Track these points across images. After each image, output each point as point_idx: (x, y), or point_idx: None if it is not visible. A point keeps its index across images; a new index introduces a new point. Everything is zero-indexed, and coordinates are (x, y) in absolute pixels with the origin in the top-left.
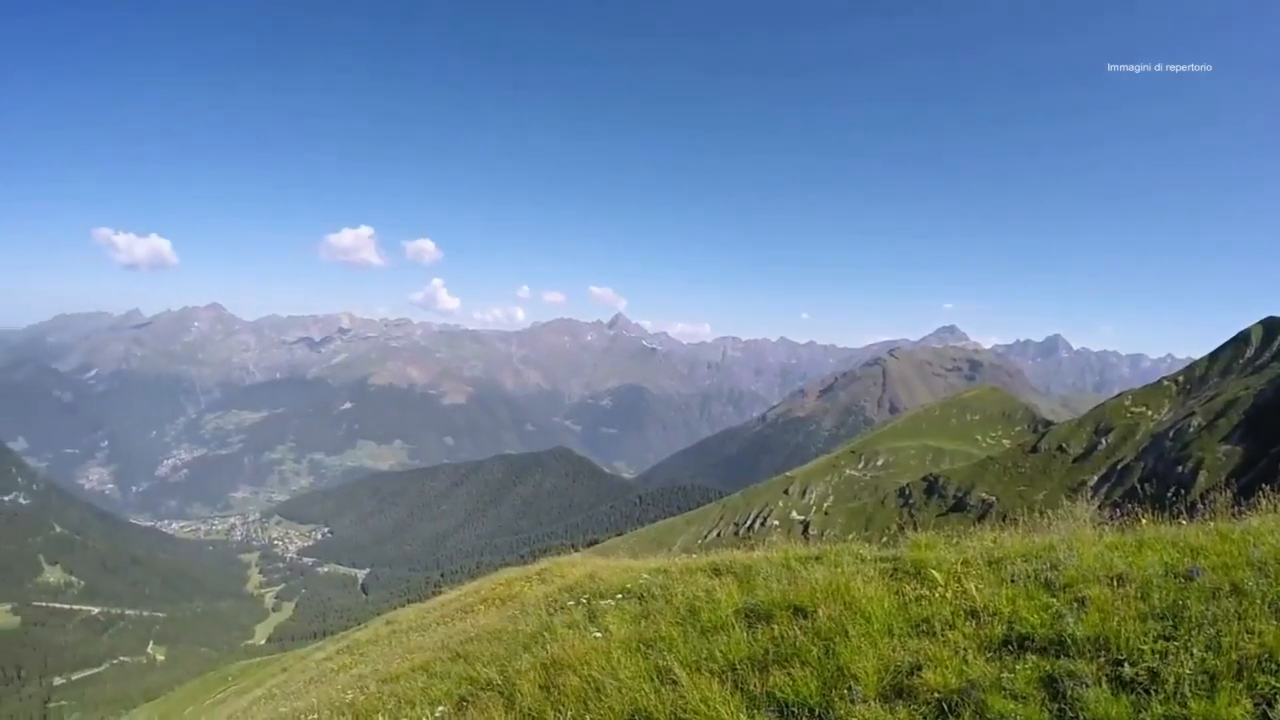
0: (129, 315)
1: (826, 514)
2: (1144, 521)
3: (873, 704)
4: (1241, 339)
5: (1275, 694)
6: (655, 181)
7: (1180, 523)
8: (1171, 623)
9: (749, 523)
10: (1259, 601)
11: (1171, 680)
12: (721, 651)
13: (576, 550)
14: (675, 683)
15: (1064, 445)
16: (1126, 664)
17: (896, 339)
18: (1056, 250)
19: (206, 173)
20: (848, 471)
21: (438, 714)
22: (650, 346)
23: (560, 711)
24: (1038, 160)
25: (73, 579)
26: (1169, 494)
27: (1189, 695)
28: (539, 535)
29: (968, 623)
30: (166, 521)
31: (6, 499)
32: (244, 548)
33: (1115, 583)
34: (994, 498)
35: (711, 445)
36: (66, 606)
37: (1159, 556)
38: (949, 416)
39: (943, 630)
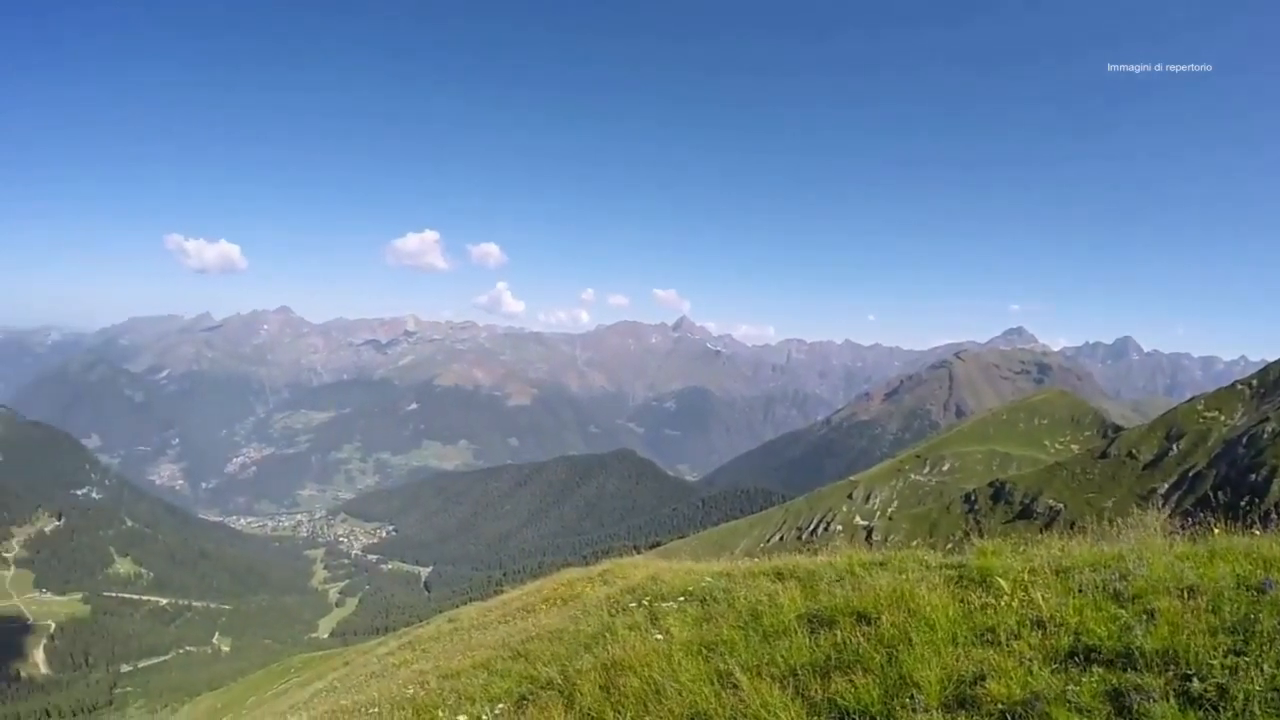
0: (200, 318)
1: (890, 519)
2: (1216, 531)
3: (935, 713)
4: None
5: None
6: (719, 183)
7: (1254, 533)
8: (1242, 637)
9: (812, 527)
10: None
11: (1241, 697)
12: (783, 656)
13: (639, 552)
14: (736, 687)
15: (1134, 451)
16: (1195, 679)
17: (963, 341)
18: (1127, 249)
19: (275, 179)
20: (912, 476)
21: (497, 711)
22: (714, 349)
23: (620, 713)
24: (1109, 159)
25: (142, 571)
26: (1242, 502)
27: (1258, 713)
28: (601, 537)
29: (1033, 633)
30: (235, 517)
31: (80, 493)
32: (310, 544)
33: (1185, 595)
34: (1062, 505)
35: (775, 448)
36: (135, 597)
37: (1231, 568)
38: (1016, 421)
39: (1008, 640)
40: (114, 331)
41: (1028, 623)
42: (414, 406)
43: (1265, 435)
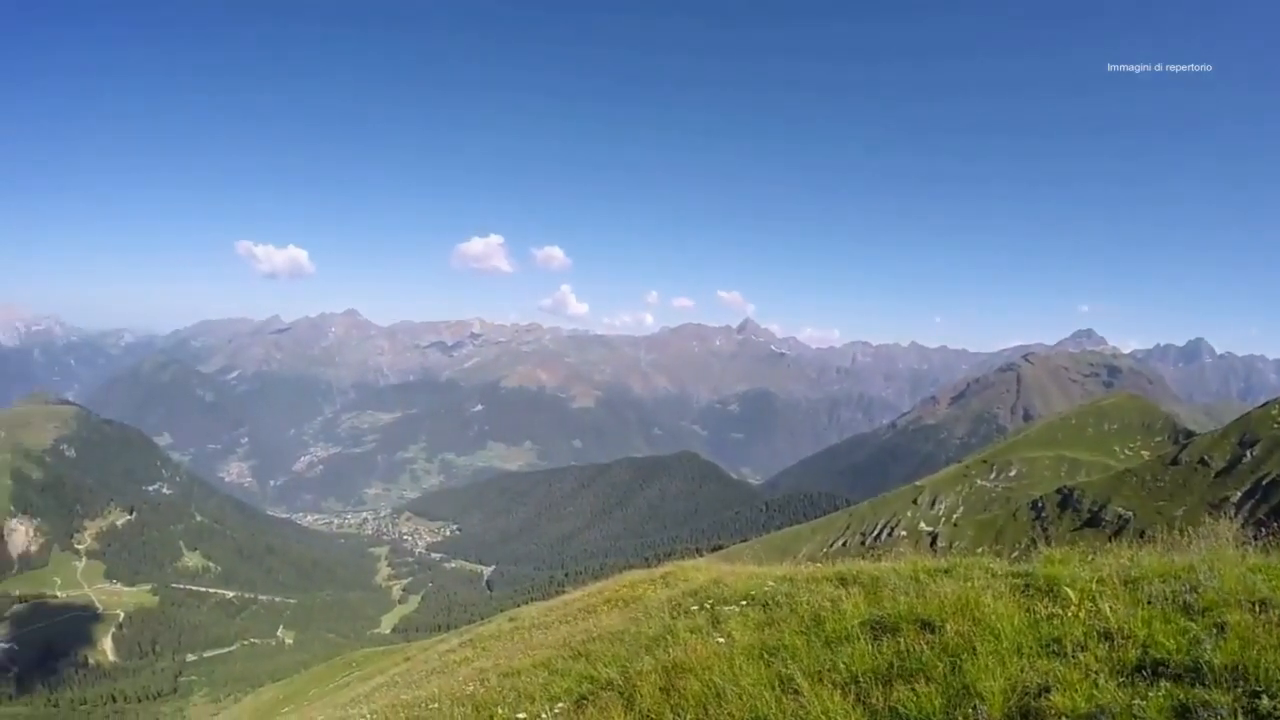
0: (269, 321)
1: (956, 525)
2: None
3: None
4: None
5: None
6: (784, 185)
7: None
8: None
9: (876, 533)
10: None
11: None
12: (845, 663)
13: (701, 555)
14: (797, 692)
15: (1206, 458)
16: (1265, 696)
17: (1031, 343)
18: (1200, 247)
19: (342, 186)
20: (978, 482)
21: (557, 710)
22: (779, 351)
23: (680, 715)
24: (1180, 156)
25: (210, 564)
26: None
27: None
28: (663, 539)
29: (1100, 644)
30: (301, 514)
31: (151, 489)
32: (375, 541)
33: (1258, 608)
34: (1131, 513)
35: (840, 452)
36: (203, 589)
37: None
38: (1085, 425)
39: (1074, 651)
40: (186, 334)
41: (1094, 634)
42: (479, 408)
43: None
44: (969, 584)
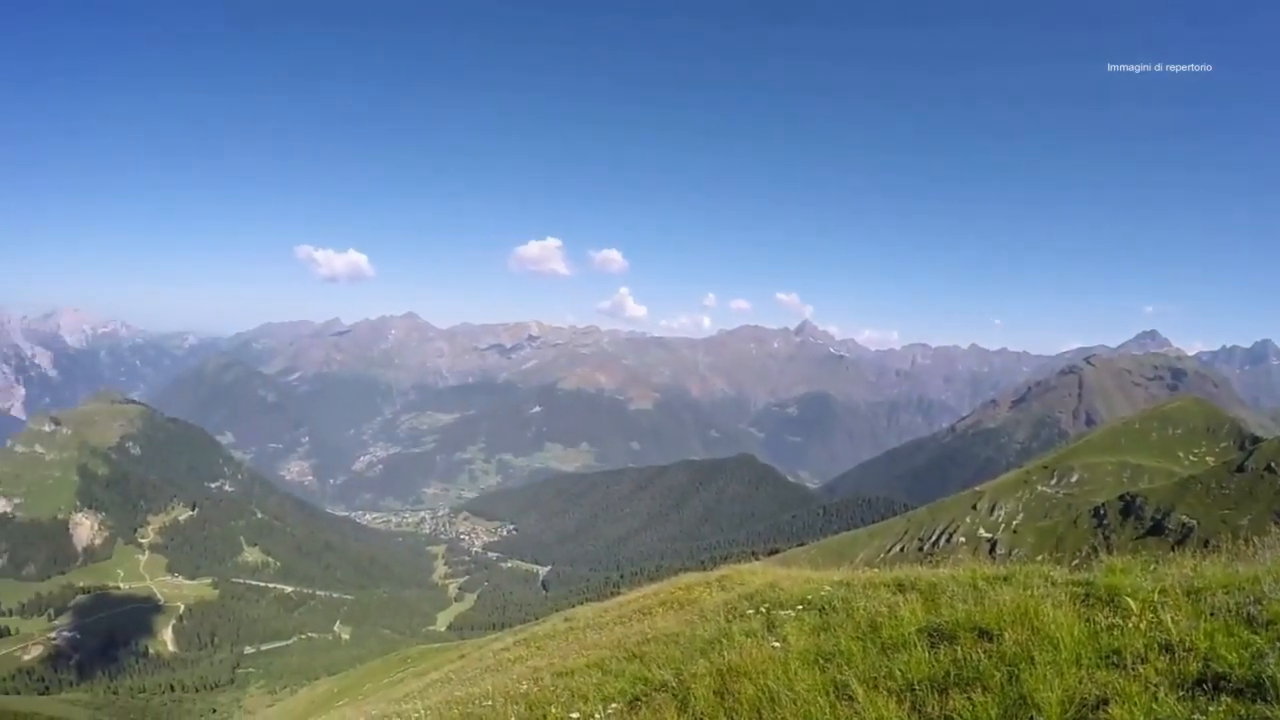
0: (330, 323)
1: (1015, 532)
2: None
3: None
4: None
5: None
6: (841, 186)
7: None
8: None
9: (934, 538)
10: None
11: None
12: (901, 670)
13: (757, 559)
14: (852, 699)
15: (1273, 465)
16: None
17: (1093, 345)
18: (1266, 247)
19: (401, 191)
20: (1039, 488)
21: (610, 711)
22: (837, 354)
23: (733, 718)
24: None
25: (270, 560)
26: None
27: None
28: (720, 542)
29: (1161, 657)
30: (360, 513)
31: (213, 486)
32: (432, 540)
33: None
34: (1195, 521)
35: (898, 456)
36: (262, 584)
37: None
38: (1149, 430)
39: (1134, 663)
40: (248, 336)
41: (1155, 646)
42: (537, 409)
43: None
44: (1028, 592)
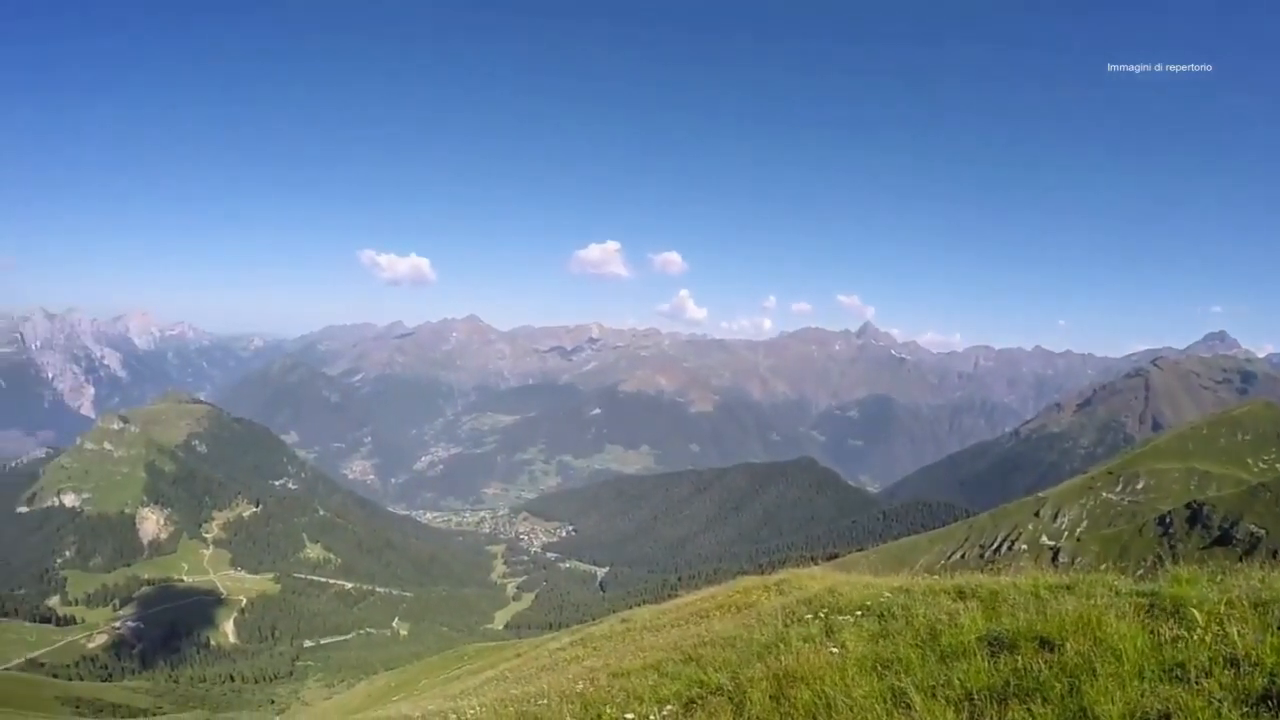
0: (392, 326)
1: (1079, 540)
2: None
3: None
4: None
5: None
6: (903, 186)
7: None
8: None
9: (995, 545)
10: None
11: None
12: (960, 679)
13: (816, 563)
14: (909, 707)
15: None
16: None
17: (1160, 347)
18: None
19: (462, 196)
20: (1104, 494)
21: (665, 713)
22: (899, 356)
23: None
24: None
25: (331, 556)
26: None
27: None
28: (779, 546)
29: (1226, 671)
30: (421, 511)
31: (277, 484)
32: (491, 540)
33: None
34: (1264, 530)
35: (960, 461)
36: (323, 580)
37: None
38: (1217, 435)
39: (1198, 677)
40: (313, 338)
41: (1221, 660)
42: (597, 411)
43: None
44: (1091, 602)
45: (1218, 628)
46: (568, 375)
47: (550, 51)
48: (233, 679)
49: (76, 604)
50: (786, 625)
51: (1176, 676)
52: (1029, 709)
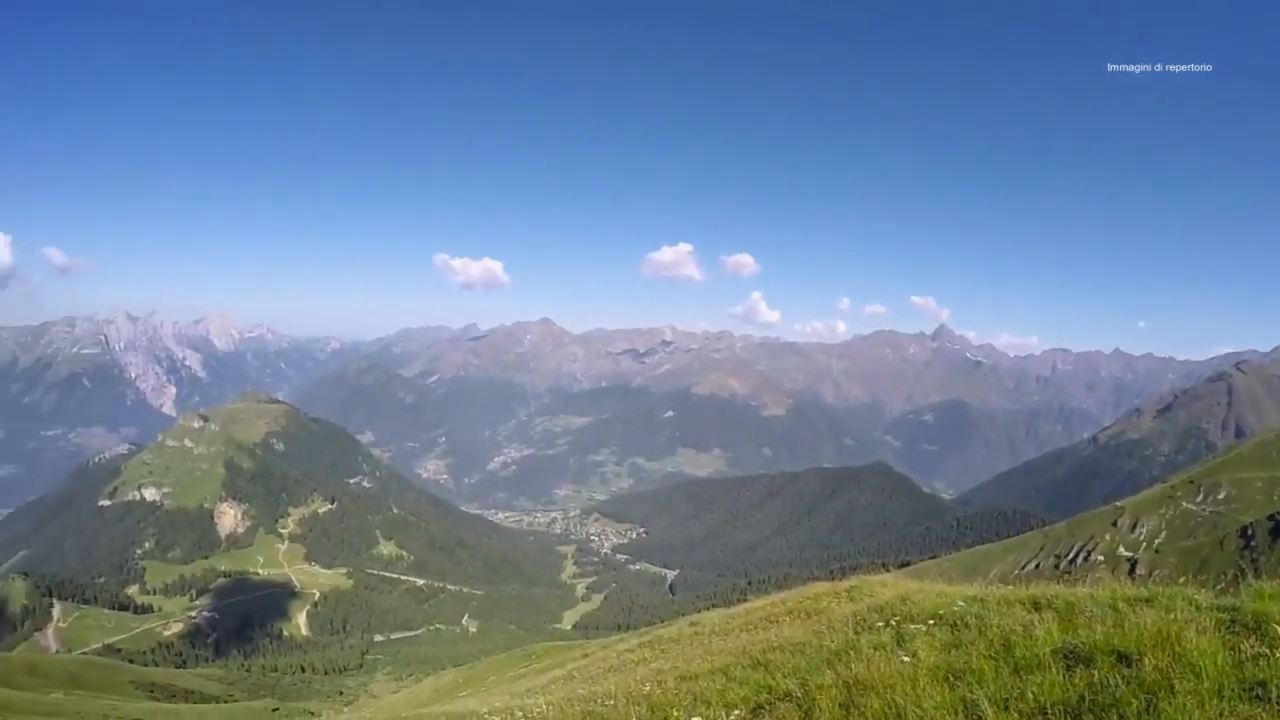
0: (467, 329)
1: (1157, 552)
2: None
3: None
4: None
5: None
6: (979, 184)
7: None
8: None
9: (1071, 555)
10: None
11: None
12: (1034, 692)
13: (887, 570)
14: (981, 719)
15: None
16: None
17: (1243, 350)
18: None
19: (535, 200)
20: (1183, 504)
21: (733, 717)
22: (974, 359)
23: None
24: None
25: (403, 553)
26: None
27: None
28: (850, 552)
29: None
30: (493, 511)
31: (353, 482)
32: (562, 540)
33: None
34: None
35: (1037, 467)
36: (395, 576)
37: None
38: None
39: (1279, 697)
40: (388, 340)
41: None
42: (670, 414)
43: None
44: (1170, 616)
45: None
46: (640, 378)
47: (624, 57)
48: (303, 670)
49: (154, 593)
50: (857, 632)
51: (1257, 696)
52: None
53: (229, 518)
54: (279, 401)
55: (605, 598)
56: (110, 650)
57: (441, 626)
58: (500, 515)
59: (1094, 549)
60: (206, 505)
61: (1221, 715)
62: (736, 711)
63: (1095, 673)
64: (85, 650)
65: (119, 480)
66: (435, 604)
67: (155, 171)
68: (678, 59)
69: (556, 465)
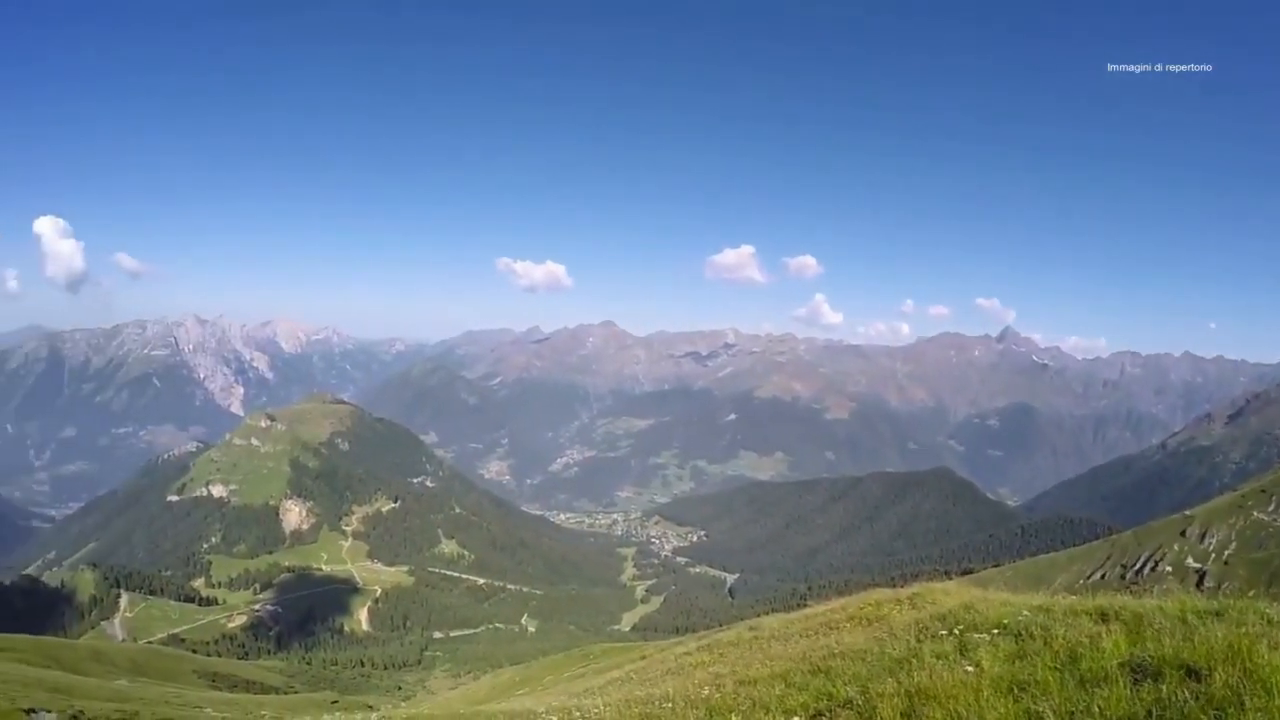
0: (530, 331)
1: (1226, 564)
2: None
3: None
4: None
5: None
6: (1043, 184)
7: None
8: None
9: (1138, 565)
10: None
11: None
12: (1100, 706)
13: (950, 577)
14: None
15: None
16: None
17: None
18: None
19: (596, 203)
20: (1255, 514)
21: None
22: (1041, 362)
23: None
24: None
25: (465, 552)
26: None
27: None
28: (912, 559)
29: None
30: (554, 512)
31: (415, 481)
32: (623, 542)
33: None
34: None
35: (1104, 474)
36: (456, 575)
37: None
38: None
39: None
40: (452, 343)
41: None
42: (732, 417)
43: None
44: (1241, 630)
45: None
46: (703, 380)
47: (683, 60)
48: (363, 664)
49: (219, 586)
50: (919, 641)
51: None
52: None
53: (294, 515)
54: (344, 402)
55: (664, 600)
56: (174, 640)
57: (500, 625)
58: (561, 516)
59: (1161, 559)
60: (272, 502)
61: None
62: (796, 718)
63: (1163, 687)
64: (150, 640)
65: (187, 477)
66: (495, 603)
67: (224, 179)
68: (740, 63)
69: (618, 467)
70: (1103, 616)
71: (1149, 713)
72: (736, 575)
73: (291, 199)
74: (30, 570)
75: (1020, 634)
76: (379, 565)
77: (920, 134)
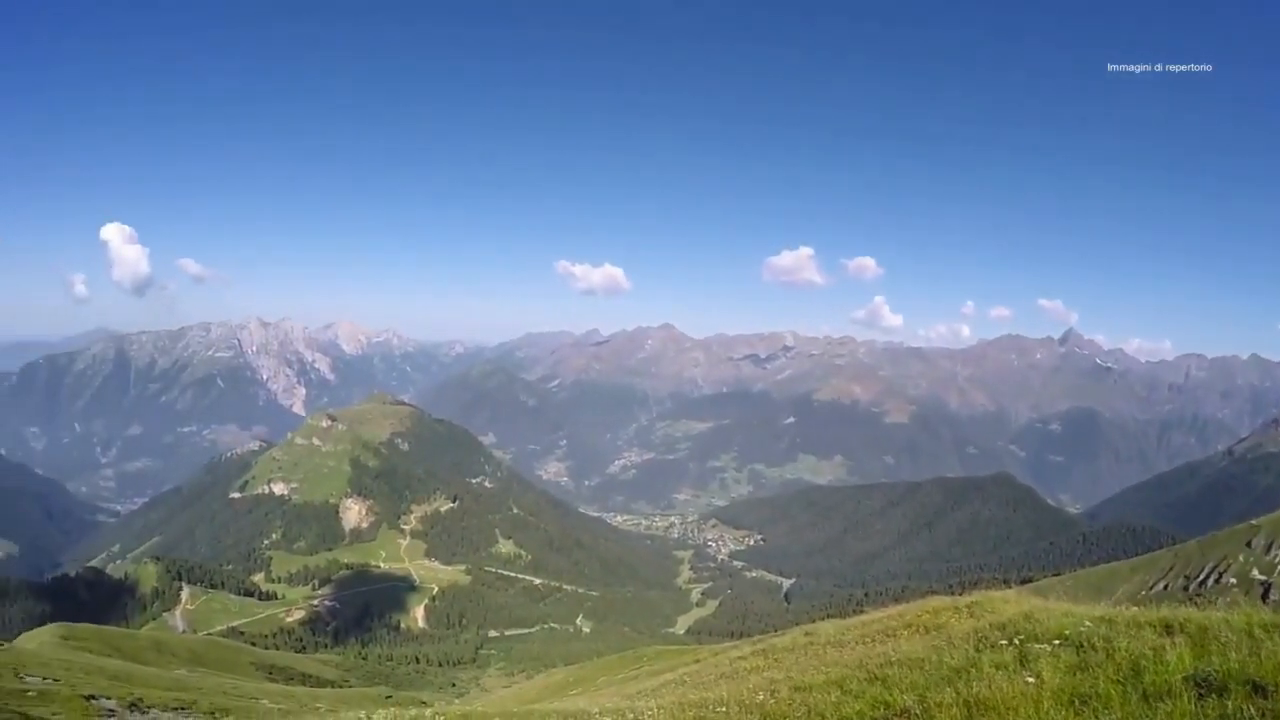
0: (589, 334)
1: None
2: None
3: None
4: None
5: None
6: (1107, 182)
7: None
8: None
9: (1201, 576)
10: None
11: None
12: None
13: (1009, 586)
14: None
15: None
16: None
17: None
18: None
19: (655, 206)
20: None
21: None
22: (1104, 365)
23: None
24: None
25: (521, 552)
26: None
27: None
28: (970, 566)
29: None
30: (612, 514)
31: (474, 481)
32: (679, 545)
33: None
34: None
35: (1168, 481)
36: (512, 574)
37: None
38: None
39: None
40: (511, 345)
41: None
42: (790, 420)
43: None
44: None
45: None
46: (761, 383)
47: (742, 61)
48: (418, 660)
49: (278, 582)
50: (978, 650)
51: None
52: None
53: (353, 513)
54: (404, 403)
55: (720, 604)
56: (233, 633)
57: (555, 625)
58: (619, 518)
59: (1225, 570)
60: (332, 500)
61: None
62: None
63: (1229, 703)
64: (210, 631)
65: (249, 475)
66: (550, 603)
67: (289, 186)
68: (801, 67)
69: (676, 470)
70: (1167, 629)
71: None
72: (793, 580)
73: (354, 204)
74: (95, 563)
75: (1082, 645)
76: (436, 564)
77: (982, 135)
